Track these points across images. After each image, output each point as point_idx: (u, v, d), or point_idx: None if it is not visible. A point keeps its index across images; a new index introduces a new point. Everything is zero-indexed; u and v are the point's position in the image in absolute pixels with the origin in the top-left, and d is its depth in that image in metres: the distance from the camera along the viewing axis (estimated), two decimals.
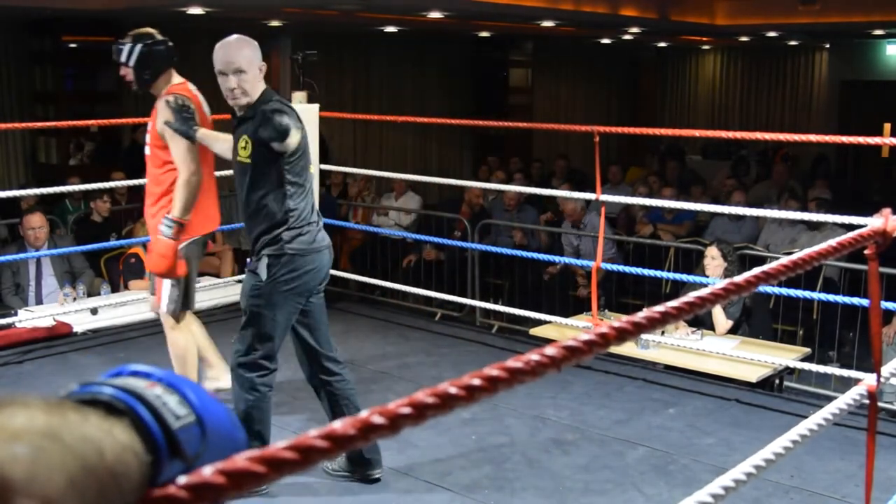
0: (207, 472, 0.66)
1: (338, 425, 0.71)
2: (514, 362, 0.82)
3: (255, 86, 3.36)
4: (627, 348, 5.01)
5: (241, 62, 3.33)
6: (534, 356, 0.83)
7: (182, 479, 0.66)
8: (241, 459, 0.67)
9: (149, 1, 8.18)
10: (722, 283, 1.14)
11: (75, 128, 9.45)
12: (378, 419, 0.72)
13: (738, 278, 1.17)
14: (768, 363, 4.65)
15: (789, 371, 5.05)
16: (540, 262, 7.35)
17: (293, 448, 0.68)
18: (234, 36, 3.44)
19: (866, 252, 1.72)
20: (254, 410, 3.45)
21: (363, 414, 0.73)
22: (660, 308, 1.01)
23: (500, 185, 7.64)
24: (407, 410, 0.73)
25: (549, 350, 0.85)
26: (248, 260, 3.49)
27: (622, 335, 0.93)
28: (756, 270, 1.22)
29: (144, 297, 5.83)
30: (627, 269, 5.52)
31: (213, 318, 5.51)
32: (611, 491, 3.57)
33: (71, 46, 9.76)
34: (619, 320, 0.95)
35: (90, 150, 9.98)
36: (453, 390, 0.76)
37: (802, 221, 7.01)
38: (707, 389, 4.66)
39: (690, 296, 1.07)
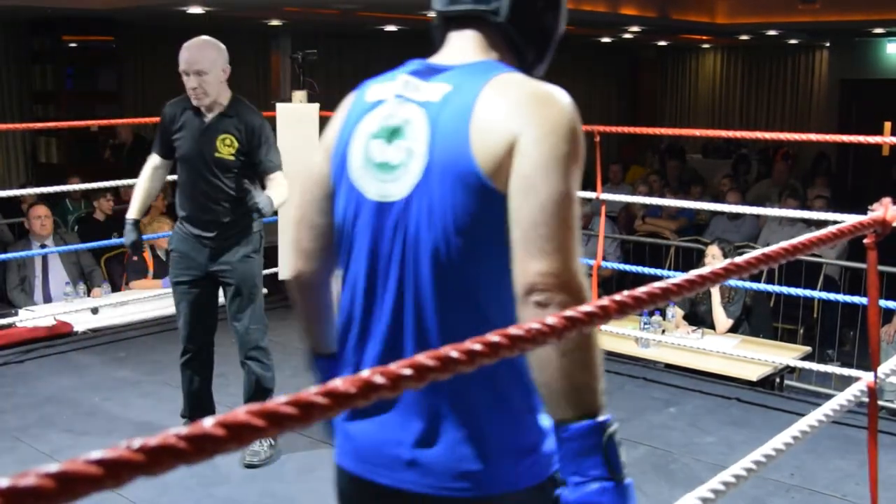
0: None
1: (338, 383, 0.72)
2: (515, 329, 0.82)
3: (216, 87, 3.53)
4: (628, 347, 5.02)
5: (202, 64, 3.49)
6: (534, 325, 0.83)
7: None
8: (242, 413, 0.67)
9: (149, 0, 8.18)
10: (724, 263, 1.14)
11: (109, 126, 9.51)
12: (379, 379, 0.73)
13: (740, 259, 1.17)
14: (769, 362, 4.65)
15: (790, 370, 5.05)
16: None
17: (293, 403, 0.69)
18: (201, 38, 3.60)
19: (865, 241, 1.72)
20: (272, 371, 3.80)
21: (365, 373, 0.73)
22: (661, 284, 1.01)
23: None
24: (408, 372, 0.74)
25: (550, 319, 0.85)
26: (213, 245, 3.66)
27: (622, 308, 0.93)
28: (757, 252, 1.22)
29: (146, 296, 5.84)
30: (627, 267, 5.52)
31: None
32: None
33: (71, 46, 9.76)
34: (620, 294, 0.95)
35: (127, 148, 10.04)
36: (454, 354, 0.77)
37: (802, 220, 7.01)
38: (707, 388, 4.66)
39: (692, 273, 1.07)
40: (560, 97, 1.29)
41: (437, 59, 1.43)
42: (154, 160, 3.81)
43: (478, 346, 0.78)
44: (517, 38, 1.40)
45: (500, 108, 1.27)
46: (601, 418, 1.23)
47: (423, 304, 1.33)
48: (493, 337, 0.80)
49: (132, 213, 3.80)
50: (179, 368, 3.77)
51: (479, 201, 1.27)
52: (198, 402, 3.80)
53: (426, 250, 1.31)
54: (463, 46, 1.41)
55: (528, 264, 1.22)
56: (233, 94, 3.64)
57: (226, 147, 3.53)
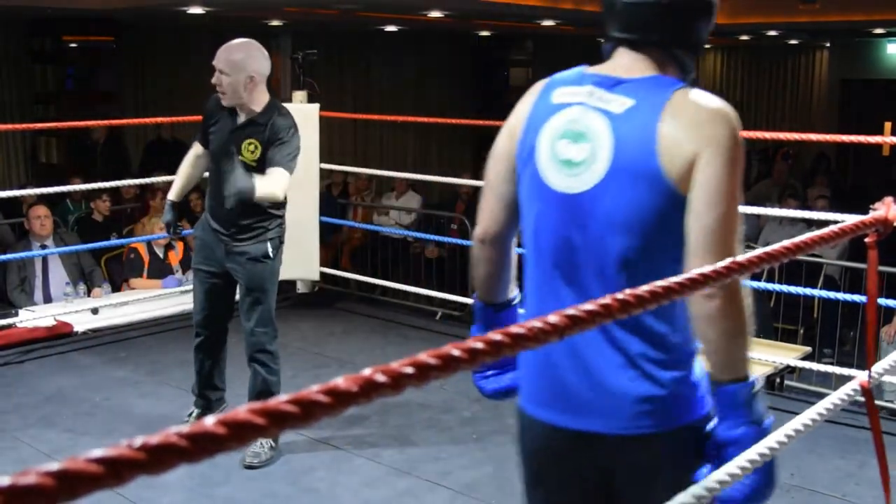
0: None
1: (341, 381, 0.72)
2: (517, 328, 0.82)
3: (236, 90, 3.53)
4: None
5: (226, 65, 3.52)
6: (537, 323, 0.84)
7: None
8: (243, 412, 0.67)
9: (149, 0, 8.18)
10: (725, 262, 1.15)
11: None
12: (381, 377, 0.73)
13: (741, 257, 1.18)
14: (769, 362, 4.65)
15: (790, 370, 5.05)
16: None
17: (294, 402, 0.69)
18: (242, 40, 3.63)
19: (867, 240, 1.73)
20: (278, 376, 3.80)
21: (366, 372, 0.73)
22: (664, 282, 1.01)
23: None
24: (409, 370, 0.74)
25: (552, 318, 0.86)
26: (229, 244, 3.68)
27: (625, 306, 0.94)
28: (759, 251, 1.23)
29: (146, 296, 5.84)
30: None
31: None
32: None
33: (71, 46, 9.77)
34: (623, 293, 0.95)
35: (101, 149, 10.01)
36: (456, 353, 0.77)
37: (802, 220, 7.02)
38: None
39: (695, 271, 1.08)
40: (728, 114, 1.59)
41: (609, 70, 1.66)
42: (196, 148, 3.89)
43: (479, 345, 0.79)
44: (681, 56, 1.65)
45: (681, 127, 1.54)
46: (749, 381, 1.54)
47: (604, 285, 1.55)
48: (496, 336, 0.81)
49: (171, 194, 3.93)
50: (192, 350, 3.89)
51: (664, 202, 1.54)
52: (207, 382, 3.91)
53: (608, 239, 1.57)
54: (632, 63, 1.65)
55: (700, 261, 1.46)
56: (272, 100, 3.63)
57: (249, 153, 3.55)
